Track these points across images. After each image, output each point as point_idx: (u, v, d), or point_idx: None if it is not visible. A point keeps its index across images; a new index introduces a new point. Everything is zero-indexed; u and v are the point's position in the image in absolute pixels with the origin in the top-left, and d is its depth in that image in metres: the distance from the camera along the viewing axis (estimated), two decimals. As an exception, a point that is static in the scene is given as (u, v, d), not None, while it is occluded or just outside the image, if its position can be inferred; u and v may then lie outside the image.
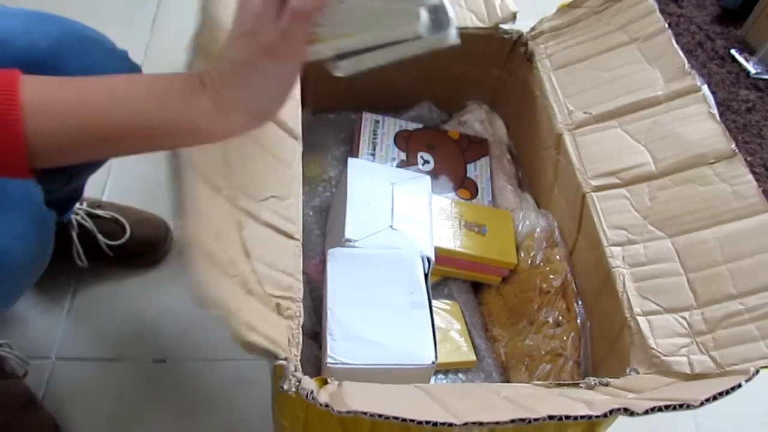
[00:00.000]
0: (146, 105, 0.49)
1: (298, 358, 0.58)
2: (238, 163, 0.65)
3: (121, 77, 0.50)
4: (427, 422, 0.46)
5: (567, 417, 0.48)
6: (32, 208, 0.58)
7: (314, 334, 0.77)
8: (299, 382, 0.53)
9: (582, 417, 0.49)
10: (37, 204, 0.60)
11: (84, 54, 0.67)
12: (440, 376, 0.82)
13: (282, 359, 0.54)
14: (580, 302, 0.78)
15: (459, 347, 0.83)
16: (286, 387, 0.53)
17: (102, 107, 0.48)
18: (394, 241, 0.76)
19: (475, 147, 1.02)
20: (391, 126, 1.01)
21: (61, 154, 0.50)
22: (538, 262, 0.86)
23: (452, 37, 0.49)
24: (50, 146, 0.48)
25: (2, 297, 0.59)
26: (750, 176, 0.69)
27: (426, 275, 0.74)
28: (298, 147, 0.75)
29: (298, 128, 0.75)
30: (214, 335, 0.90)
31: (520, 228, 0.91)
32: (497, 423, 0.48)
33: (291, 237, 0.64)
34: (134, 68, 0.74)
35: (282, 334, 0.58)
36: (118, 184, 1.09)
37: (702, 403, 0.49)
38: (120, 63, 0.71)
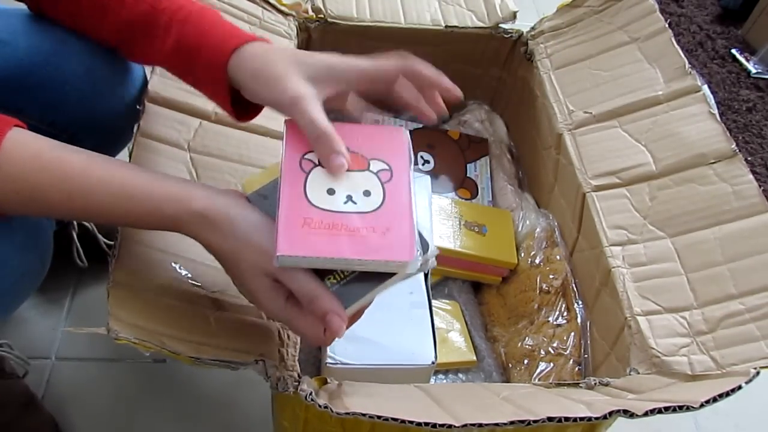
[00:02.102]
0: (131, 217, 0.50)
1: (296, 357, 0.58)
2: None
3: (117, 176, 0.49)
4: (426, 423, 0.46)
5: (566, 419, 0.48)
6: (29, 217, 0.58)
7: (314, 334, 0.77)
8: (284, 378, 0.53)
9: (581, 419, 0.49)
10: None
11: (87, 54, 0.67)
12: (440, 376, 0.82)
13: (248, 364, 0.54)
14: (580, 302, 0.78)
15: (459, 347, 0.83)
16: (273, 386, 0.53)
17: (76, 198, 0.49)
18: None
19: (475, 147, 1.02)
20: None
21: (24, 213, 0.52)
22: (538, 262, 0.86)
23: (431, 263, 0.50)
24: (16, 212, 0.50)
25: (0, 308, 0.59)
26: (750, 176, 0.69)
27: (426, 275, 0.74)
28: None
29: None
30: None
31: (520, 228, 0.91)
32: (496, 424, 0.48)
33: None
34: (137, 69, 0.73)
35: (265, 338, 0.59)
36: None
37: (702, 405, 0.49)
38: (123, 63, 0.71)
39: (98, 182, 0.49)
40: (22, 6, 0.66)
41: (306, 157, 0.50)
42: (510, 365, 0.83)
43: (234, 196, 0.51)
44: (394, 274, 0.48)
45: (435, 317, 0.72)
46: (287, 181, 0.49)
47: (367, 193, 0.49)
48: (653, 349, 0.62)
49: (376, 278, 0.48)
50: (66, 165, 0.48)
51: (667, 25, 0.83)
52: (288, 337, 0.60)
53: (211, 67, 0.55)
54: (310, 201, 0.48)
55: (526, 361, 0.80)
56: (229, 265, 0.51)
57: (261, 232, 0.49)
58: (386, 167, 0.50)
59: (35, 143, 0.48)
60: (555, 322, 0.80)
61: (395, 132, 0.53)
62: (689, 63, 0.78)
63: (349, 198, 0.48)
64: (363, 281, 0.48)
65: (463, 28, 0.94)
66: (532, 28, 0.95)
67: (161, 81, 0.72)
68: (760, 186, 0.68)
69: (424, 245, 0.48)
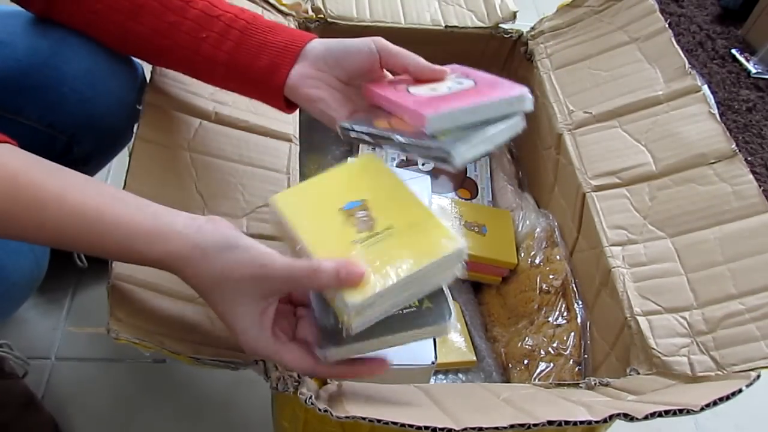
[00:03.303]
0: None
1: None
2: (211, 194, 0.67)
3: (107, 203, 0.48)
4: (426, 427, 0.46)
5: (566, 422, 0.48)
6: None
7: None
8: (284, 379, 0.53)
9: (582, 422, 0.49)
10: None
11: (86, 55, 0.67)
12: (440, 376, 0.82)
13: (248, 364, 0.54)
14: (580, 302, 0.78)
15: (459, 347, 0.83)
16: (273, 386, 0.53)
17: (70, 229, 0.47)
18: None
19: (475, 147, 1.02)
20: (391, 125, 1.01)
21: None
22: (538, 262, 0.86)
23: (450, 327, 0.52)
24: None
25: None
26: (750, 176, 0.69)
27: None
28: (293, 147, 0.75)
29: (291, 130, 0.76)
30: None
31: (520, 228, 0.91)
32: (496, 428, 0.48)
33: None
34: (137, 69, 0.73)
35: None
36: (118, 184, 1.08)
37: (702, 408, 0.49)
38: (122, 64, 0.71)
39: (71, 213, 0.46)
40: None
41: (396, 85, 0.58)
42: (510, 365, 0.83)
43: (213, 229, 0.49)
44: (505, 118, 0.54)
45: (435, 317, 0.72)
46: (394, 95, 0.56)
47: (460, 83, 0.57)
48: (653, 349, 0.62)
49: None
50: (40, 192, 0.46)
51: (667, 25, 0.83)
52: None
53: (276, 63, 0.59)
54: (419, 94, 0.56)
55: (526, 361, 0.80)
56: (210, 299, 0.49)
57: (243, 256, 0.47)
58: (460, 73, 0.59)
59: (12, 163, 0.46)
60: (555, 322, 0.80)
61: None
62: (689, 63, 0.78)
63: (450, 88, 0.56)
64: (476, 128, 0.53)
65: (463, 28, 0.94)
66: (532, 28, 0.95)
67: (161, 81, 0.72)
68: (760, 186, 0.68)
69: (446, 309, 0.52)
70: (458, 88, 0.56)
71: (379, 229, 0.50)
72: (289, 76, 0.59)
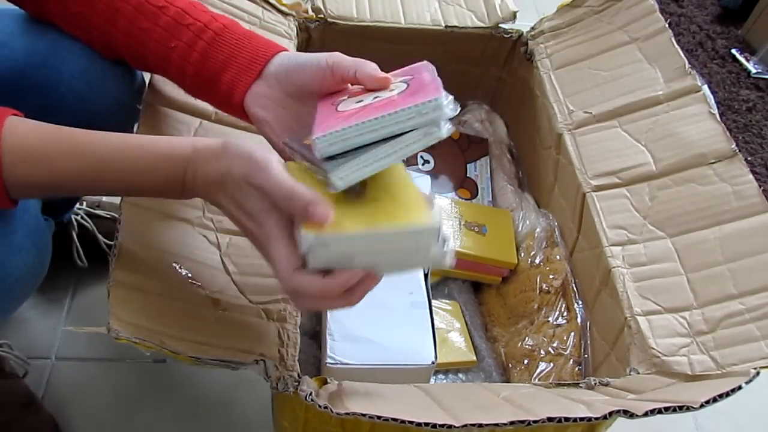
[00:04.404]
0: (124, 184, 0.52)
1: (296, 357, 0.58)
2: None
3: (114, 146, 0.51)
4: (426, 424, 0.46)
5: (566, 419, 0.48)
6: (28, 219, 0.58)
7: (314, 334, 0.77)
8: (284, 378, 0.54)
9: (581, 419, 0.49)
10: (34, 215, 0.60)
11: (83, 55, 0.67)
12: (440, 376, 0.82)
13: (248, 364, 0.55)
14: (580, 302, 0.78)
15: (459, 347, 0.83)
16: (273, 386, 0.53)
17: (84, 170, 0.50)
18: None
19: (475, 147, 1.02)
20: (391, 126, 1.01)
21: (39, 192, 0.54)
22: (538, 262, 0.86)
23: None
24: (27, 186, 0.50)
25: (0, 309, 0.59)
26: (750, 176, 0.69)
27: (426, 275, 0.74)
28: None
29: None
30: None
31: (520, 228, 0.91)
32: (496, 425, 0.48)
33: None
34: (135, 70, 0.73)
35: (265, 338, 0.59)
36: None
37: (702, 405, 0.49)
38: (120, 64, 0.70)
39: (104, 137, 0.50)
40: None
41: (338, 99, 0.54)
42: (510, 365, 0.83)
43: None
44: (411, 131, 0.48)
45: (435, 317, 0.72)
46: (320, 111, 0.53)
47: (392, 89, 0.52)
48: (653, 349, 0.62)
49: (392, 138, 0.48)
50: (70, 131, 0.50)
51: (667, 25, 0.83)
52: (288, 337, 0.60)
53: (235, 80, 0.58)
54: (342, 110, 0.51)
55: (526, 361, 0.80)
56: (221, 189, 0.50)
57: (252, 147, 0.48)
58: (409, 77, 0.53)
59: (37, 122, 0.50)
60: (555, 322, 0.80)
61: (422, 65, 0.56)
62: (689, 63, 0.78)
63: (376, 98, 0.51)
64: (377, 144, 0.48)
65: (463, 28, 0.94)
66: (532, 28, 0.95)
67: (161, 80, 0.71)
68: (760, 186, 0.68)
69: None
70: (380, 98, 0.51)
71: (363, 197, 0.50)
72: (246, 94, 0.58)
